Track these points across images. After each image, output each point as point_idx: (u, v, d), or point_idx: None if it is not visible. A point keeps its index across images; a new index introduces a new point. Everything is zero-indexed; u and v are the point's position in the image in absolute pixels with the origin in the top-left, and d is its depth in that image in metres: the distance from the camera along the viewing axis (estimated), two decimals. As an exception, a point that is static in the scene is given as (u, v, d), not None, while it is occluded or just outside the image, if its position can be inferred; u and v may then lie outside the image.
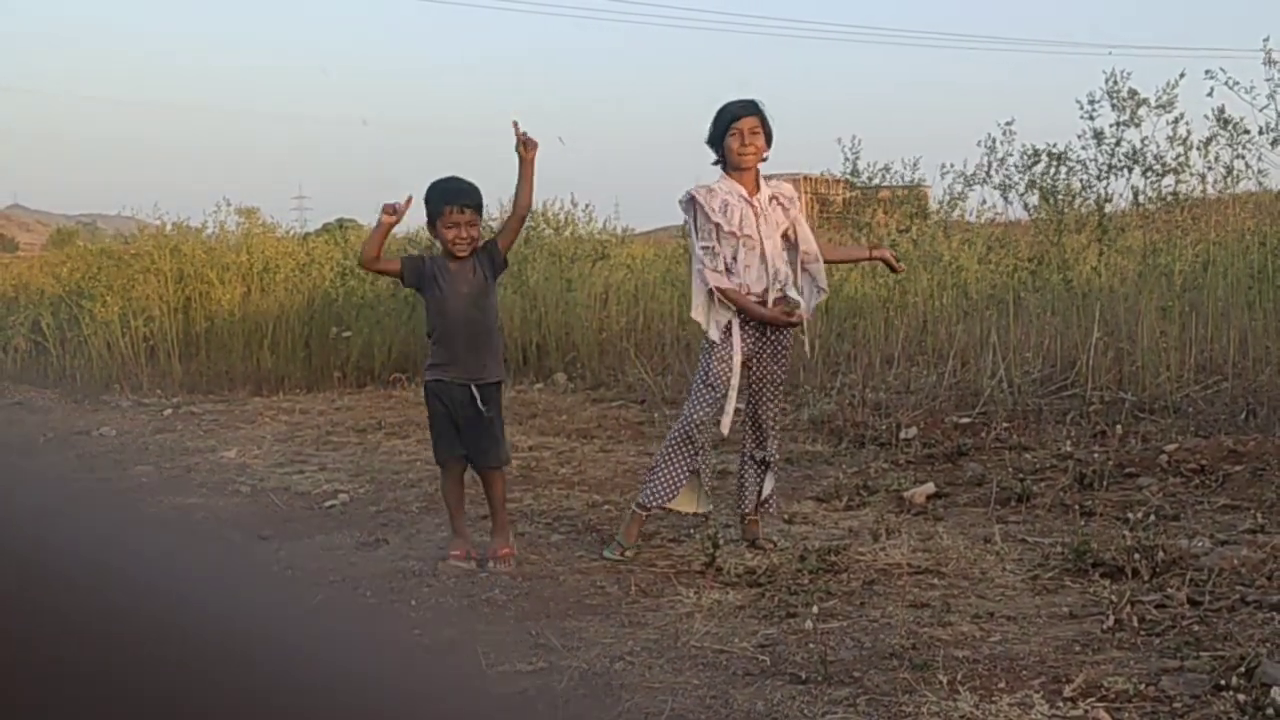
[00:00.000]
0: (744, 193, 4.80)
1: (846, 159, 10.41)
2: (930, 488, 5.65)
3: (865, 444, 6.93)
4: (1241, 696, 2.94)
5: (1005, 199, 8.97)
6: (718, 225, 4.75)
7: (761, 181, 4.88)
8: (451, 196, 4.65)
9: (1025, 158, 8.57)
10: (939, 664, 3.38)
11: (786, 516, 5.36)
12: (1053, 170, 8.47)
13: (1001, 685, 3.21)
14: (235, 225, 14.25)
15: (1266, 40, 6.84)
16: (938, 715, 2.98)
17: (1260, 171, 7.57)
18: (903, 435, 6.88)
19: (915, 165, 11.01)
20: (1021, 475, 5.66)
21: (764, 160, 4.88)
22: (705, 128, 4.89)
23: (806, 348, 5.35)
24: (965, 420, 7.12)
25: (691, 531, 5.11)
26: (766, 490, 5.03)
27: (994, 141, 8.70)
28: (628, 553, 4.79)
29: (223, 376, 11.64)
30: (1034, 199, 8.74)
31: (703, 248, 4.80)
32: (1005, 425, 6.88)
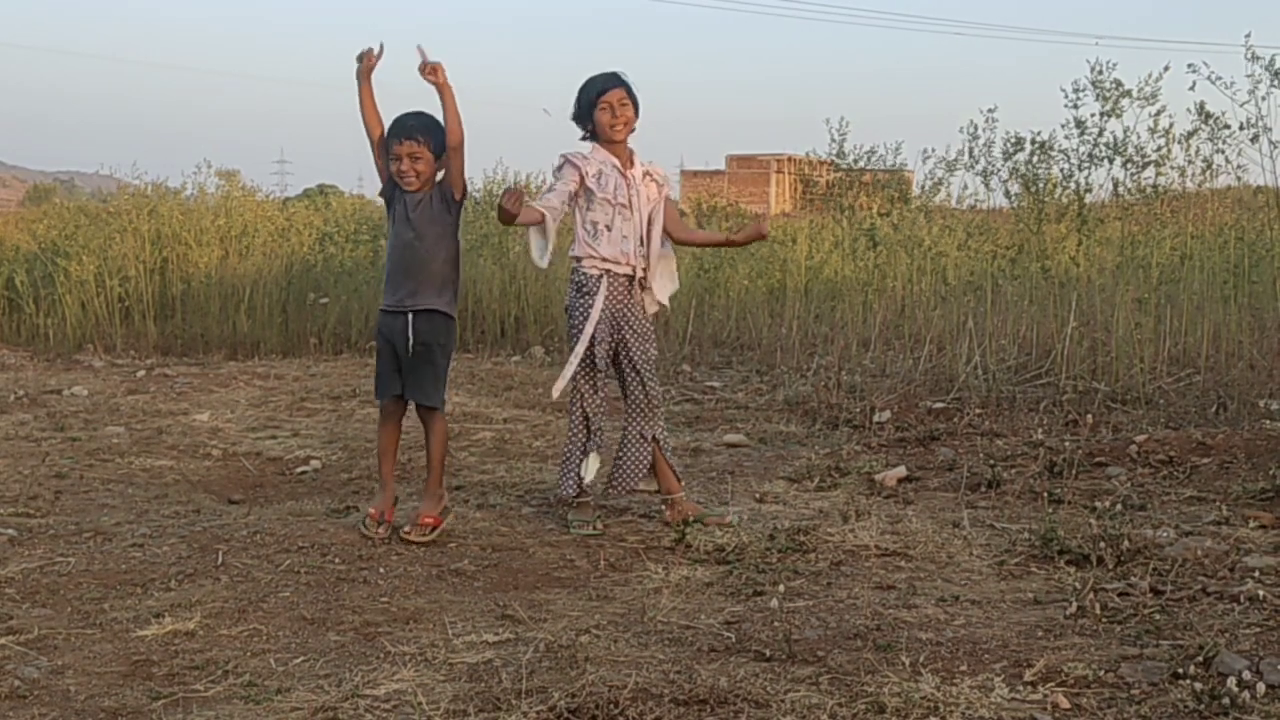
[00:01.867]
0: (617, 164, 4.85)
1: (833, 140, 10.40)
2: (901, 471, 5.68)
3: (839, 426, 6.96)
4: (1199, 685, 2.98)
5: (986, 186, 8.99)
6: (591, 191, 4.80)
7: (635, 157, 4.92)
8: (393, 130, 4.64)
9: (1009, 145, 8.58)
10: (902, 645, 3.41)
11: (758, 496, 5.38)
12: (1035, 158, 8.48)
13: (963, 668, 3.23)
14: (215, 188, 14.16)
15: (1249, 36, 6.86)
16: (899, 696, 3.00)
17: (1239, 167, 7.61)
18: (876, 418, 6.91)
19: (898, 149, 11.02)
20: (992, 461, 5.69)
21: (632, 132, 4.91)
22: (574, 105, 4.89)
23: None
24: (939, 405, 7.15)
25: (662, 508, 5.12)
26: (668, 451, 5.01)
27: (975, 128, 8.70)
28: (597, 525, 4.81)
29: (197, 339, 11.57)
30: (1015, 187, 8.76)
31: (548, 192, 4.84)
32: (978, 411, 6.91)
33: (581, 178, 4.80)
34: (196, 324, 11.84)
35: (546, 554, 4.53)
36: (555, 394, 4.91)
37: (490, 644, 3.50)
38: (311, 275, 12.36)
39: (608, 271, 4.84)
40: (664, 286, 5.01)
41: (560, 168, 4.87)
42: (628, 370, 4.92)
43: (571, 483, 4.90)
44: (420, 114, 4.68)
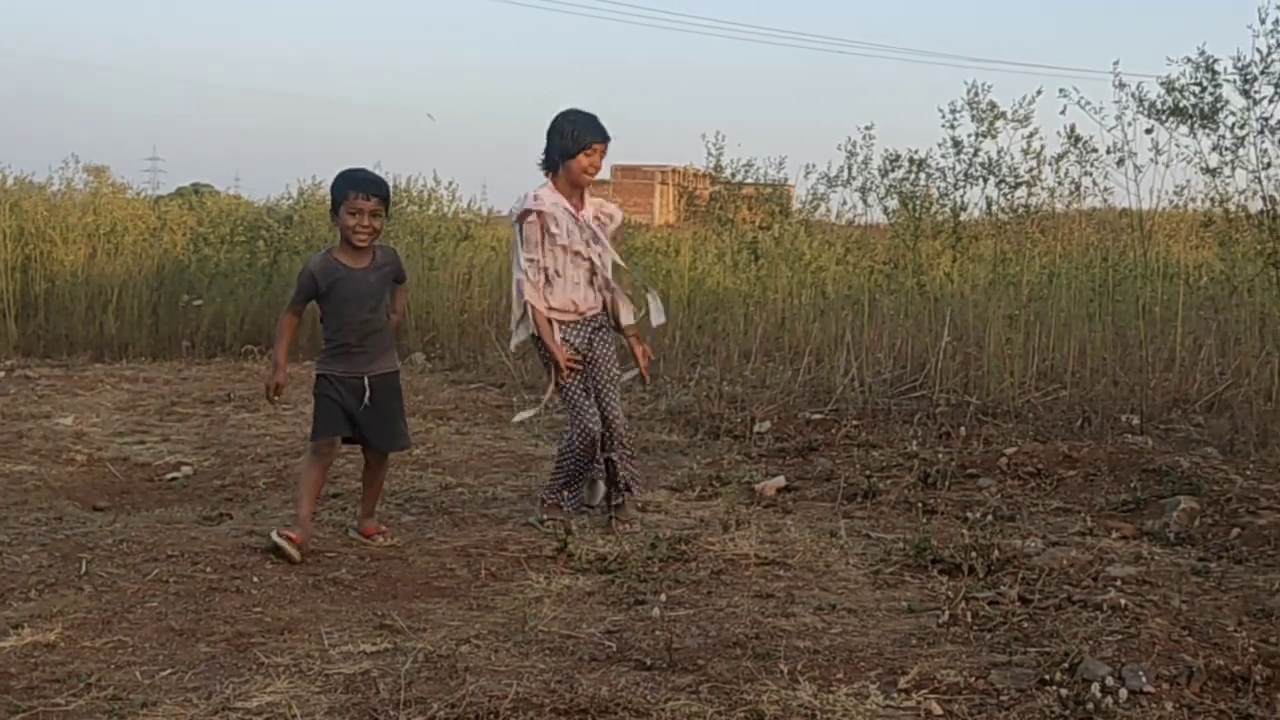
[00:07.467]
0: (569, 207, 4.87)
1: (710, 154, 10.47)
2: (781, 481, 5.75)
3: (720, 436, 7.02)
4: (1064, 691, 3.07)
5: (865, 202, 9.15)
6: (554, 236, 4.82)
7: (585, 196, 4.97)
8: (357, 184, 4.65)
9: (887, 162, 8.75)
10: (781, 654, 3.44)
11: (640, 505, 5.40)
12: (913, 176, 8.66)
13: (840, 676, 3.28)
14: (83, 184, 13.69)
15: (1116, 64, 7.10)
16: (777, 704, 3.03)
17: (1105, 189, 7.87)
18: (756, 429, 6.99)
19: (781, 164, 11.12)
20: (868, 472, 5.80)
21: None
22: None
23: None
24: (817, 416, 7.27)
25: (544, 518, 5.10)
26: (628, 482, 5.11)
27: (854, 145, 8.86)
28: (547, 523, 4.87)
29: (62, 340, 11.18)
30: (893, 203, 8.94)
31: (528, 259, 4.88)
32: (855, 423, 7.04)
33: (543, 226, 4.83)
34: (61, 324, 11.43)
35: (426, 563, 4.47)
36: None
37: (368, 654, 3.44)
38: (185, 276, 12.03)
39: (554, 321, 4.93)
40: (630, 312, 5.14)
41: (522, 218, 4.87)
42: (600, 392, 5.06)
43: (572, 501, 5.06)
44: (372, 171, 4.74)
